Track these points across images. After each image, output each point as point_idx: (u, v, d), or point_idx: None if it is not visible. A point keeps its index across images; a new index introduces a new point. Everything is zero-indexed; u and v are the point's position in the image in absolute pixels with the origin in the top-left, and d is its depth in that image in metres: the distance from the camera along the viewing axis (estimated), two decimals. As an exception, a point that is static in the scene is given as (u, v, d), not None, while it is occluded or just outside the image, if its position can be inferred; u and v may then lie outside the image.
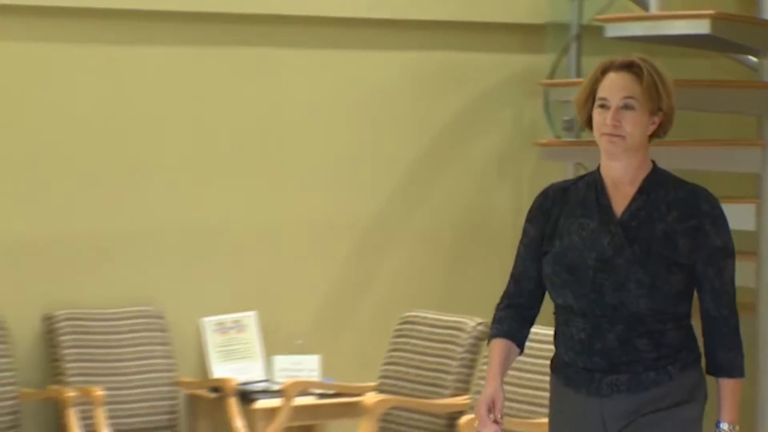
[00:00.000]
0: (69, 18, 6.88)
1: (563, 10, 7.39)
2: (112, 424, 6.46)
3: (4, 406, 6.56)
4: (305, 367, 7.06)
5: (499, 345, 3.76)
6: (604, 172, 3.65)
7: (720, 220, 3.62)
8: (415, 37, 7.49)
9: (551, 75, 7.37)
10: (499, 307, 3.80)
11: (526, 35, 7.54)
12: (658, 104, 3.56)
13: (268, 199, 7.29)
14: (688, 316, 3.65)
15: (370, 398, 6.29)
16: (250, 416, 6.75)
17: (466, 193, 7.67)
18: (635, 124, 3.53)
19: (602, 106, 3.53)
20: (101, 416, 6.37)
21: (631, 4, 7.14)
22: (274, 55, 7.29)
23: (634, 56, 3.61)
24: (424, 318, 6.74)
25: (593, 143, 7.10)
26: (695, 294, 3.70)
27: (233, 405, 6.70)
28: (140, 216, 7.05)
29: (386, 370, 6.70)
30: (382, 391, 6.54)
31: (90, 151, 6.97)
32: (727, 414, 3.62)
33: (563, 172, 7.28)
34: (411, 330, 6.65)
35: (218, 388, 6.87)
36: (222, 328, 7.12)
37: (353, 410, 6.47)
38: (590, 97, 3.58)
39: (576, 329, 3.61)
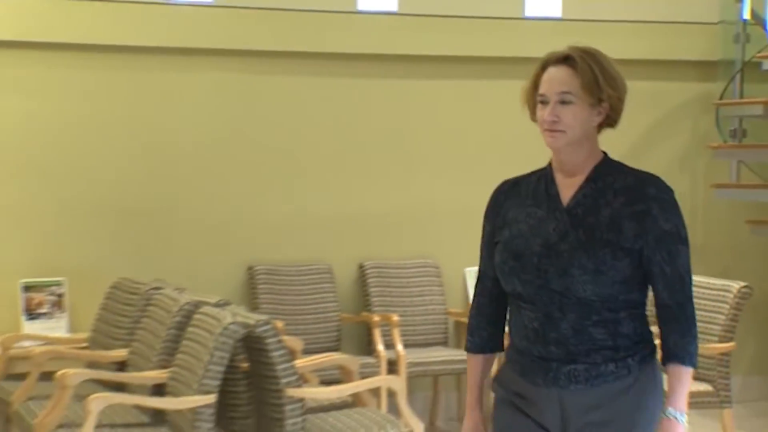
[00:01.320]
0: (400, 63, 7.15)
1: (730, 50, 7.44)
2: (403, 340, 6.64)
3: (331, 326, 6.89)
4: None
5: (475, 365, 3.05)
6: (553, 164, 2.94)
7: (669, 205, 2.84)
8: (625, 72, 7.54)
9: (721, 97, 7.41)
10: (471, 313, 3.09)
11: (703, 69, 7.59)
12: (599, 96, 2.83)
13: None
14: (642, 305, 2.89)
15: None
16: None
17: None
18: (574, 118, 2.82)
19: (542, 102, 2.86)
20: (396, 334, 6.61)
21: (782, 46, 7.08)
22: (495, 85, 7.27)
23: (572, 49, 2.89)
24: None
25: (754, 146, 7.24)
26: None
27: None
28: (423, 196, 7.23)
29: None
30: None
31: (391, 153, 7.22)
32: (675, 401, 2.83)
33: (728, 168, 7.49)
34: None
35: (477, 317, 7.10)
36: (479, 275, 7.34)
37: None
38: (534, 91, 2.90)
39: (528, 318, 2.84)
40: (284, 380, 4.81)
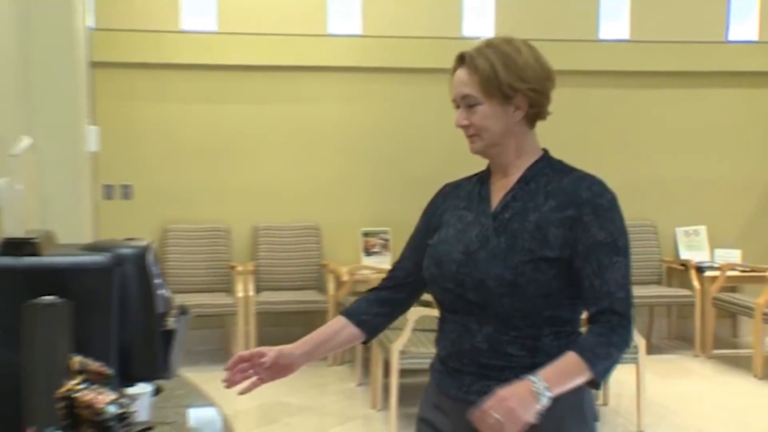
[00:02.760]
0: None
1: None
2: None
3: None
4: (731, 255, 6.81)
5: (332, 322, 2.08)
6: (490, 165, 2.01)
7: (604, 211, 1.84)
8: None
9: None
10: (369, 291, 2.12)
11: None
12: (505, 90, 1.86)
13: (724, 167, 7.13)
14: (572, 322, 1.89)
15: (771, 273, 6.07)
16: (701, 280, 6.58)
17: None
18: (485, 119, 1.88)
19: (457, 107, 1.95)
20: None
21: None
22: (703, 93, 7.07)
23: (477, 45, 1.92)
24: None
25: None
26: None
27: (693, 274, 6.62)
28: (655, 171, 7.05)
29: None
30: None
31: (620, 139, 6.96)
32: (549, 373, 1.75)
33: None
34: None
35: (684, 264, 6.78)
36: (687, 233, 7.04)
37: (761, 280, 6.24)
38: None
39: (449, 329, 1.96)
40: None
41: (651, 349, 5.98)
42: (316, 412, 5.27)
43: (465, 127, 1.93)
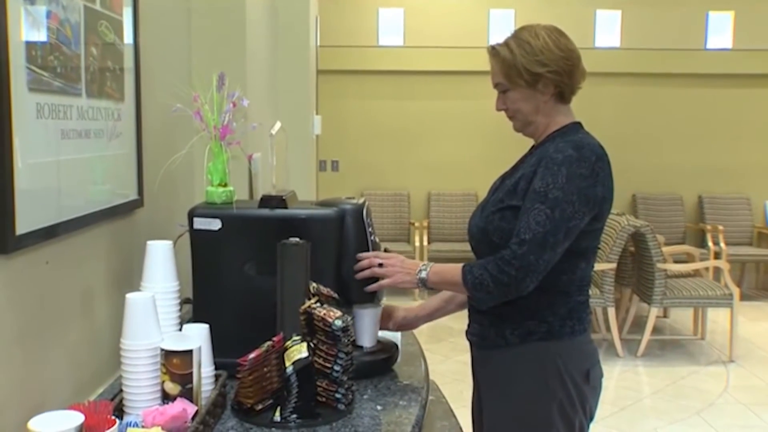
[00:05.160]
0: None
1: None
2: (725, 239, 6.11)
3: (680, 230, 6.36)
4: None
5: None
6: None
7: (553, 164, 1.49)
8: None
9: None
10: None
11: None
12: (525, 76, 1.57)
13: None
14: (553, 282, 1.53)
15: None
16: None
17: None
18: (515, 102, 1.61)
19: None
20: (722, 237, 6.09)
21: None
22: None
23: (506, 37, 1.63)
24: None
25: None
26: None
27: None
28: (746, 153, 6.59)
29: None
30: None
31: (715, 126, 6.52)
32: (434, 266, 1.62)
33: None
34: None
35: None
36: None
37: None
38: None
39: None
40: (655, 258, 4.68)
41: (742, 297, 5.68)
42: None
43: (504, 111, 1.66)
